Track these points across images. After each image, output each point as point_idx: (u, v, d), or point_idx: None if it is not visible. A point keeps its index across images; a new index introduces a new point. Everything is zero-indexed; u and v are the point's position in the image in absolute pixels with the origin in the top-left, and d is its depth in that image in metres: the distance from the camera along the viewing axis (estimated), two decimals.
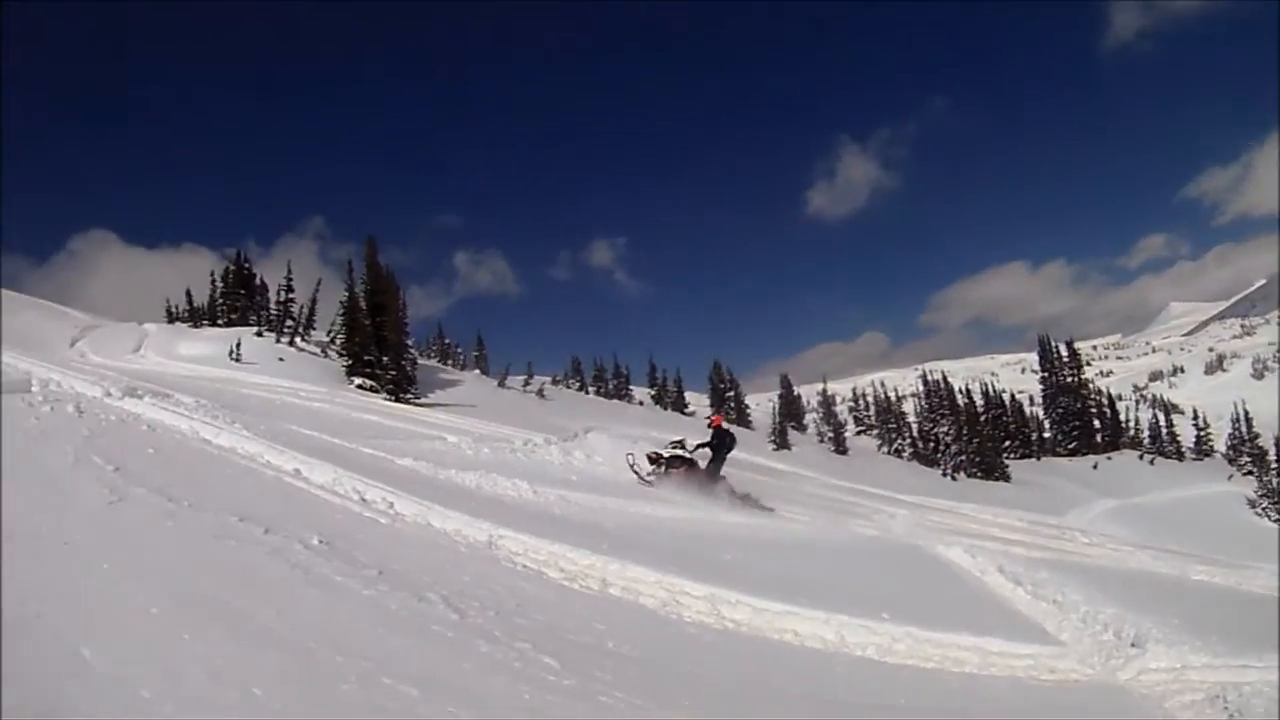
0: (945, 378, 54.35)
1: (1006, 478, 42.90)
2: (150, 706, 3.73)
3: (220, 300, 38.97)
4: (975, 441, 45.64)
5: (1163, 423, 60.44)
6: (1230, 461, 54.57)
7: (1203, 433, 60.31)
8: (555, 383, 45.50)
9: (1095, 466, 49.56)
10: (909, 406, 54.17)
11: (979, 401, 54.41)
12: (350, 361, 30.13)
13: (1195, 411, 64.48)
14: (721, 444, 17.56)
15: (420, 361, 35.90)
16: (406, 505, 9.70)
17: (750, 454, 28.75)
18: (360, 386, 28.50)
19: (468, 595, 6.72)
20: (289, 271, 35.72)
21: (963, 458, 43.55)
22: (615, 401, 45.15)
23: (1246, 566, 15.03)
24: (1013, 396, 62.13)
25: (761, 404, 57.81)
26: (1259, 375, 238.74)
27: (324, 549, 7.20)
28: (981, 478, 42.32)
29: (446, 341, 47.26)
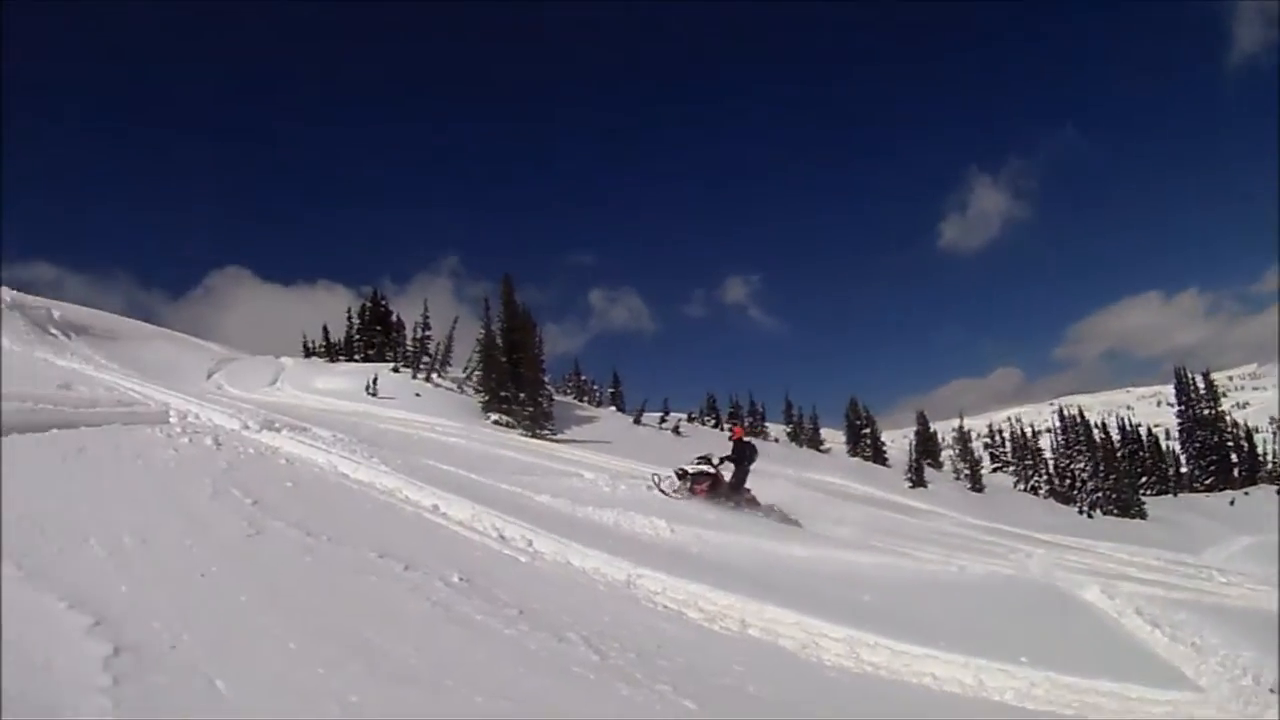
0: (1081, 413, 53.90)
1: (1143, 514, 42.27)
2: None
3: (357, 336, 40.32)
4: (1112, 478, 45.33)
5: None
6: None
7: None
8: (691, 420, 45.53)
9: (1232, 502, 47.60)
10: (1045, 442, 52.89)
11: (1115, 437, 53.35)
12: (487, 397, 30.61)
13: None
14: (743, 456, 17.76)
15: (557, 398, 36.28)
16: (545, 543, 9.63)
17: (886, 491, 28.54)
18: (497, 422, 28.91)
19: (608, 636, 6.61)
20: (425, 309, 36.74)
21: (1099, 494, 43.28)
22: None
23: None
24: (1149, 431, 60.57)
25: (897, 440, 56.97)
26: None
27: (464, 586, 7.16)
28: (1118, 515, 41.89)
29: (583, 378, 47.83)
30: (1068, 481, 45.07)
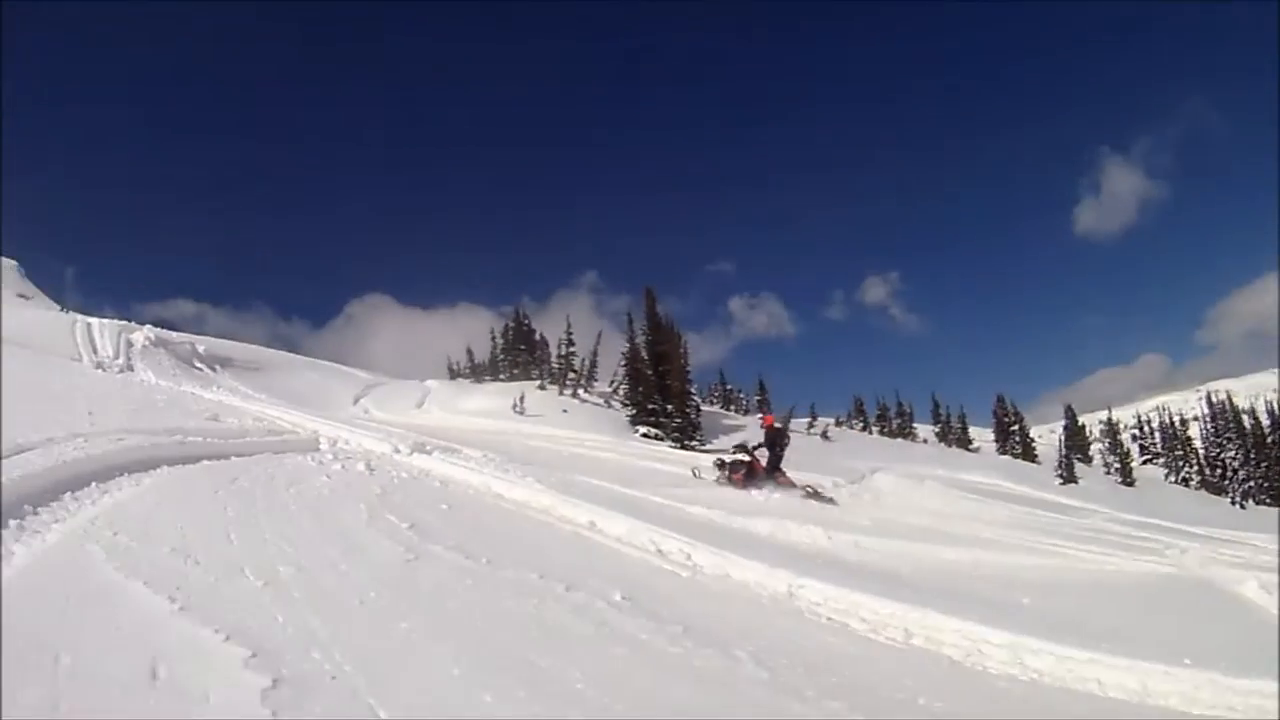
0: (1229, 398, 51.99)
1: None
2: None
3: (501, 355, 41.09)
4: (1263, 466, 43.97)
5: None
6: None
7: None
8: (839, 424, 45.49)
9: None
10: (1194, 431, 50.63)
11: (1265, 422, 49.93)
12: (634, 410, 30.73)
13: None
14: (775, 442, 19.46)
15: (703, 408, 36.21)
16: (704, 556, 9.48)
17: (1038, 489, 28.05)
18: (645, 435, 28.95)
19: (775, 651, 6.42)
20: (568, 325, 37.11)
21: (1251, 484, 42.06)
22: (899, 440, 44.73)
23: None
24: None
25: (1044, 435, 55.74)
26: None
27: (627, 605, 7.04)
28: (1270, 504, 40.37)
29: (728, 386, 48.08)
30: (1219, 471, 43.97)
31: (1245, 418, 49.30)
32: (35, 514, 6.72)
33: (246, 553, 6.70)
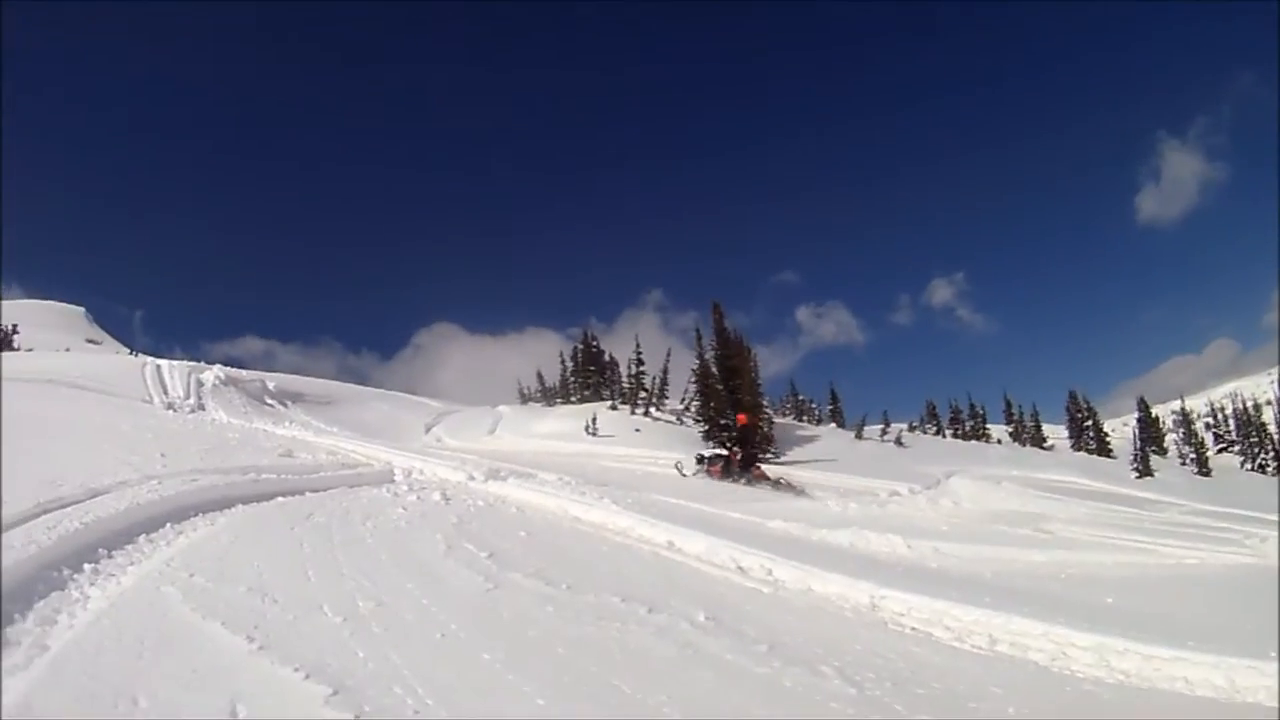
0: None
1: None
2: None
3: (572, 378, 41.21)
4: None
5: None
6: None
7: None
8: (912, 429, 44.99)
9: None
10: (1268, 415, 49.36)
11: None
12: (707, 426, 30.64)
13: None
14: (746, 439, 22.83)
15: (776, 420, 36.00)
16: (785, 571, 9.41)
17: (1114, 484, 27.69)
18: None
19: (861, 665, 6.37)
20: (638, 344, 37.10)
21: None
22: (973, 443, 43.93)
23: None
24: None
25: (1118, 429, 54.61)
26: None
27: (710, 625, 6.98)
28: None
29: (800, 397, 47.67)
30: None
31: None
32: (110, 557, 6.83)
33: (324, 589, 6.75)
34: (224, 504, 9.53)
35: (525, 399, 42.01)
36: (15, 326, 45.22)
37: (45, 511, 7.41)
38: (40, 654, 4.70)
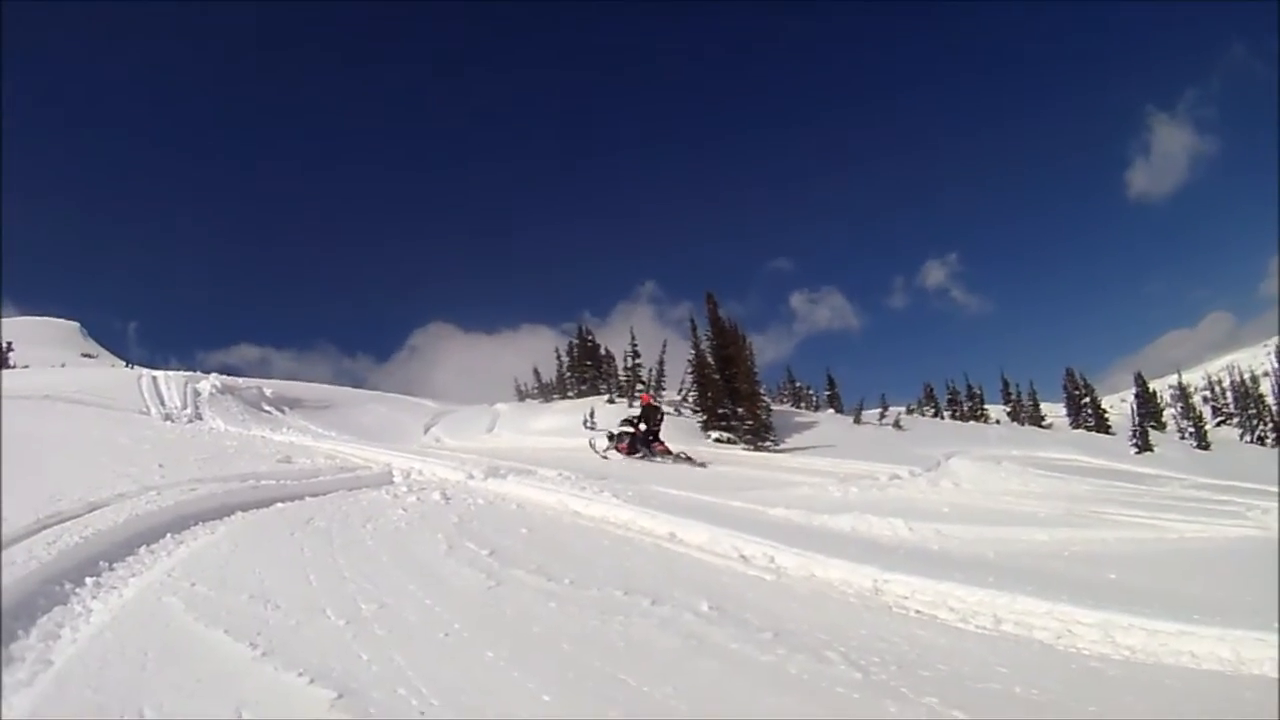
0: None
1: None
2: None
3: (568, 373, 41.30)
4: None
5: None
6: None
7: None
8: (910, 412, 45.41)
9: None
10: (1265, 387, 49.64)
11: None
12: (705, 416, 30.71)
13: None
14: (650, 417, 23.98)
15: (774, 407, 36.05)
16: (787, 558, 9.44)
17: (1114, 461, 27.90)
18: (717, 440, 28.94)
19: (866, 650, 6.39)
20: (633, 337, 37.26)
21: None
22: (972, 424, 44.27)
23: None
24: None
25: (1116, 405, 55.20)
26: None
27: (714, 614, 6.99)
28: None
29: (797, 384, 47.80)
30: None
31: None
32: (111, 570, 6.82)
33: (326, 593, 6.74)
34: (223, 512, 9.52)
35: (522, 396, 42.04)
36: (10, 344, 45.12)
37: (45, 527, 7.40)
38: (44, 669, 4.70)
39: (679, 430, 28.96)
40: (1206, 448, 39.03)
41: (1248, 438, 43.56)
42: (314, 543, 8.55)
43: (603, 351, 41.40)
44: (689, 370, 33.55)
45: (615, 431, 24.17)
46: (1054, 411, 49.21)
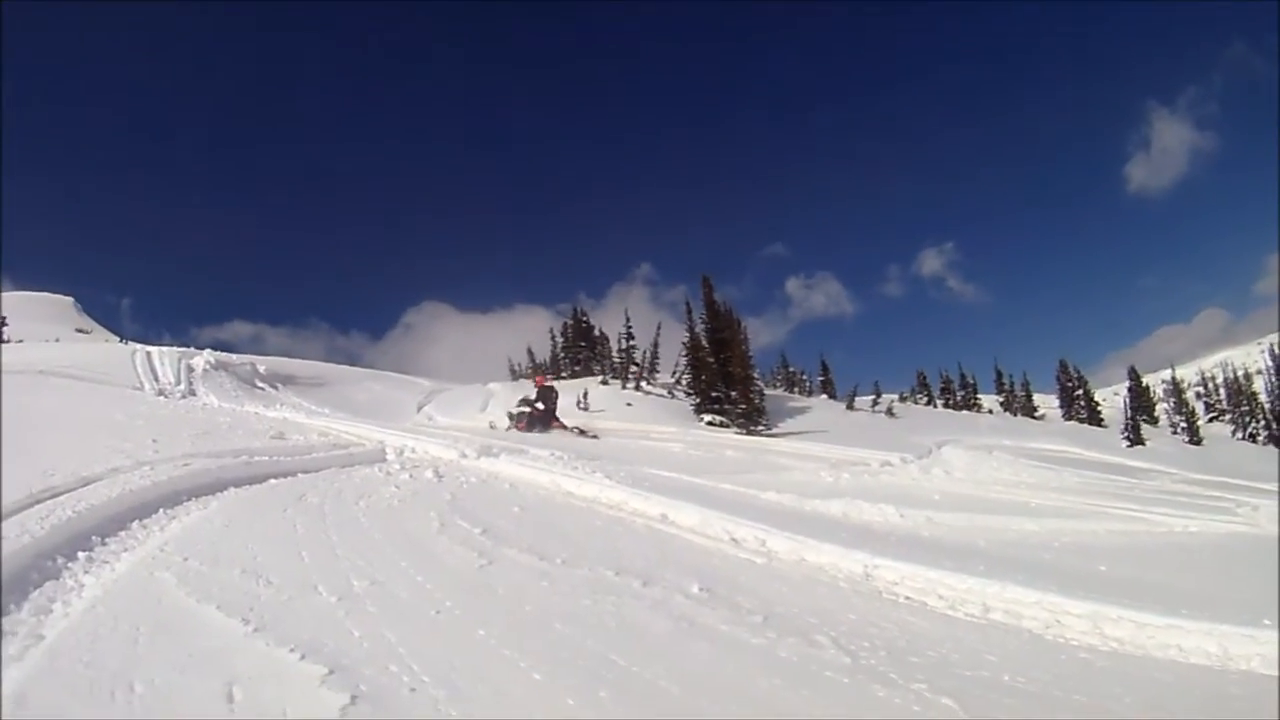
0: None
1: None
2: None
3: (562, 354, 41.24)
4: None
5: None
6: None
7: None
8: (903, 399, 45.36)
9: None
10: (1258, 385, 49.96)
11: None
12: (698, 399, 30.65)
13: None
14: (545, 398, 25.04)
15: (767, 392, 35.99)
16: (778, 542, 9.50)
17: (1106, 453, 27.87)
18: (710, 423, 28.86)
19: (856, 635, 6.49)
20: (628, 319, 37.07)
21: None
22: (964, 412, 44.22)
23: None
24: None
25: (1109, 398, 55.43)
26: None
27: (705, 596, 7.05)
28: None
29: (790, 369, 47.66)
30: None
31: None
32: (104, 544, 6.81)
33: (319, 569, 6.75)
34: (216, 488, 9.50)
35: (516, 376, 41.88)
36: (4, 319, 44.84)
37: (38, 501, 7.38)
38: (36, 644, 4.70)
39: (672, 413, 28.99)
40: (1198, 443, 39.14)
41: (1239, 434, 43.78)
42: (306, 519, 8.53)
43: (597, 333, 41.35)
44: (683, 353, 33.46)
45: (514, 411, 24.99)
46: (1047, 403, 49.29)
